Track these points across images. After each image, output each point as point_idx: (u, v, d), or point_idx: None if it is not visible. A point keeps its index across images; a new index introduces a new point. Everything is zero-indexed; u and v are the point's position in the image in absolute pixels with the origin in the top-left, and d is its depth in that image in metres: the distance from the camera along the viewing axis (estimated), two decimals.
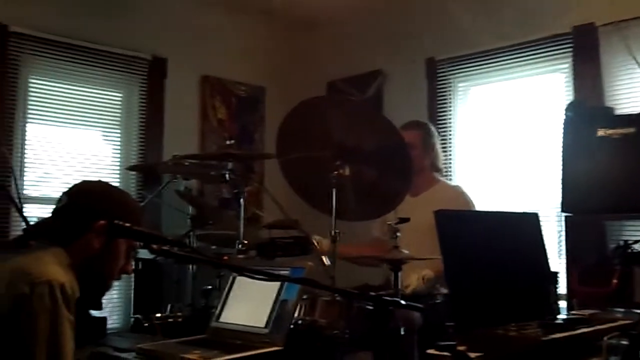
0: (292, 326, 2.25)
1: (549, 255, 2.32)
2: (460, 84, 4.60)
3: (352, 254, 3.10)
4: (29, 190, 4.16)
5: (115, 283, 1.96)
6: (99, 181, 2.04)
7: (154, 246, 1.70)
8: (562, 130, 3.52)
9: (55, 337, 1.57)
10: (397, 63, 4.84)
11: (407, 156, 2.70)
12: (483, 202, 4.07)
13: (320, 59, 5.31)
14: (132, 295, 4.19)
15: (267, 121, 5.30)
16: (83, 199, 1.85)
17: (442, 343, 1.66)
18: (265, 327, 2.22)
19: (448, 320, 2.03)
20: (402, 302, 1.82)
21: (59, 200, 1.85)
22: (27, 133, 4.20)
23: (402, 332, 2.29)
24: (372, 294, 1.84)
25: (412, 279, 2.97)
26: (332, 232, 2.59)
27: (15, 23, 4.10)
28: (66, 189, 1.89)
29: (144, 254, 3.70)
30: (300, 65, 5.37)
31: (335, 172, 2.62)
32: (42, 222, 1.92)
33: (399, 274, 2.53)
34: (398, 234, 2.58)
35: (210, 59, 5.04)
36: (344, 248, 2.74)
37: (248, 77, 5.28)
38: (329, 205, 2.61)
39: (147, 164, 4.58)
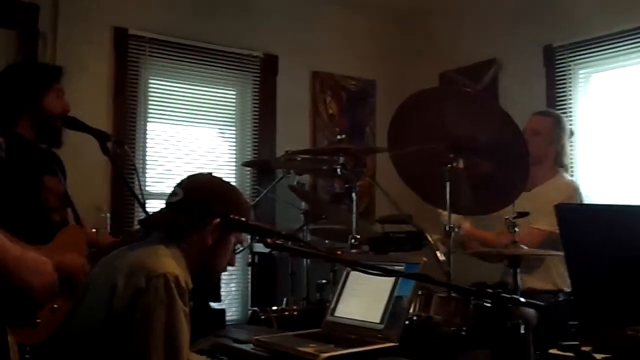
0: (407, 322, 2.22)
1: None
2: (580, 71, 4.37)
3: (488, 238, 3.04)
4: (150, 186, 4.35)
5: (232, 276, 2.01)
6: (210, 175, 2.08)
7: (269, 240, 1.73)
8: None
9: (171, 327, 1.63)
10: (513, 51, 4.67)
11: (524, 148, 2.60)
12: (606, 195, 3.87)
13: (431, 49, 5.22)
14: (250, 288, 4.29)
15: (378, 115, 5.27)
16: (199, 195, 1.89)
17: (565, 343, 1.59)
18: (380, 322, 2.20)
19: (569, 319, 1.95)
20: (522, 299, 1.75)
21: (174, 193, 1.90)
22: (148, 132, 4.38)
23: (522, 331, 2.22)
24: (490, 291, 1.79)
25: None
26: (447, 227, 2.53)
27: (134, 26, 4.28)
28: (179, 182, 1.93)
29: (259, 247, 3.80)
30: (411, 56, 5.30)
31: (449, 165, 2.57)
32: (157, 214, 1.99)
33: (518, 270, 2.45)
34: (516, 228, 2.49)
35: (320, 55, 5.06)
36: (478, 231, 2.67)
37: (358, 71, 5.27)
38: (443, 200, 2.56)
39: (261, 160, 4.66)
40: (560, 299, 2.99)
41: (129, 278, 1.67)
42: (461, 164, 2.61)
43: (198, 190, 1.91)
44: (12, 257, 0.90)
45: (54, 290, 0.98)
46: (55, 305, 2.39)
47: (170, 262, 1.73)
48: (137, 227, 2.86)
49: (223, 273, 2.17)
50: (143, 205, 2.81)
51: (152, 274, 1.65)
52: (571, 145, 3.79)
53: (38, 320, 2.33)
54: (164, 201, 1.94)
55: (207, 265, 1.87)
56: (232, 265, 1.98)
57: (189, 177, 1.97)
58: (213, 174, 2.10)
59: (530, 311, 2.31)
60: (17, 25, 3.93)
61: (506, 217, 2.56)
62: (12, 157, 2.57)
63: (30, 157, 2.68)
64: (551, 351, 1.68)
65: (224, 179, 2.03)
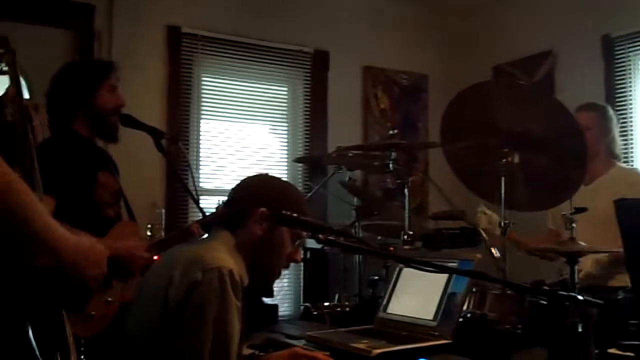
0: (461, 319, 2.19)
1: None
2: None
3: (525, 244, 2.98)
4: (204, 182, 4.40)
5: (285, 272, 2.01)
6: (266, 174, 2.11)
7: (321, 236, 1.72)
8: None
9: (222, 320, 1.65)
10: (569, 42, 4.56)
11: (582, 142, 2.53)
12: None
13: (485, 42, 5.13)
14: (302, 284, 4.30)
15: (431, 109, 5.22)
16: (247, 189, 1.93)
17: (625, 342, 1.54)
18: (434, 319, 2.18)
19: (630, 317, 1.89)
20: (580, 297, 1.70)
21: (229, 192, 1.95)
22: (201, 129, 4.43)
23: (580, 330, 2.16)
24: (546, 288, 1.75)
25: (586, 263, 2.81)
26: (502, 223, 2.49)
27: (187, 25, 4.34)
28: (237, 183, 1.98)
29: (311, 243, 3.80)
30: (464, 50, 5.23)
31: (504, 160, 2.52)
32: (214, 213, 2.03)
33: (575, 267, 2.39)
34: (574, 224, 2.42)
35: (371, 50, 5.04)
36: (517, 236, 2.63)
37: (410, 66, 5.23)
38: (497, 195, 2.51)
39: (312, 156, 4.67)
40: (620, 297, 2.90)
41: (185, 271, 1.70)
42: (516, 159, 2.56)
43: (247, 185, 1.95)
44: (65, 244, 0.92)
45: (102, 273, 1.01)
46: (110, 299, 2.43)
47: (225, 257, 1.75)
48: (191, 222, 2.89)
49: None
50: (197, 201, 2.84)
51: (208, 267, 1.68)
52: (624, 134, 3.69)
53: (93, 313, 2.38)
54: (218, 197, 1.98)
55: (262, 260, 1.88)
56: (296, 261, 1.98)
57: (244, 178, 2.01)
58: (269, 174, 2.13)
59: (591, 308, 2.25)
60: (73, 25, 4.02)
61: (563, 212, 2.49)
62: (68, 154, 2.63)
63: (85, 153, 2.74)
64: (610, 350, 1.63)
65: (280, 177, 2.05)
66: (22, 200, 0.86)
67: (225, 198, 1.96)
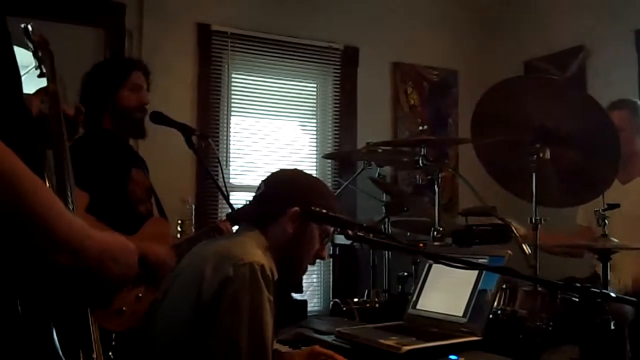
0: (491, 316, 2.18)
1: None
2: None
3: (553, 242, 2.94)
4: (234, 179, 4.43)
5: (314, 268, 2.02)
6: (295, 169, 2.11)
7: (350, 232, 1.72)
8: None
9: (256, 314, 1.66)
10: (602, 37, 4.49)
11: (615, 138, 2.49)
12: None
13: (516, 37, 5.08)
14: (331, 279, 4.31)
15: (461, 105, 5.18)
16: (278, 186, 1.94)
17: None
18: (464, 316, 2.17)
19: None
20: (612, 294, 1.68)
21: (258, 187, 1.96)
22: (231, 125, 4.46)
23: (612, 327, 2.13)
24: (578, 285, 1.73)
25: (624, 272, 2.76)
26: (533, 219, 2.46)
27: (216, 22, 4.36)
28: (264, 177, 1.98)
29: (340, 239, 3.81)
30: (494, 45, 5.18)
31: (535, 156, 2.49)
32: (244, 208, 2.04)
33: (608, 264, 2.35)
34: (606, 221, 2.39)
35: (401, 46, 5.02)
36: (545, 236, 2.60)
37: (440, 61, 5.19)
38: (528, 191, 2.48)
39: (342, 152, 4.67)
40: None
41: (216, 267, 1.71)
42: (547, 155, 2.53)
43: (278, 182, 1.96)
44: (89, 244, 0.93)
45: (131, 274, 1.01)
46: (140, 294, 2.46)
47: (256, 252, 1.76)
48: (219, 221, 2.92)
49: None
50: (227, 197, 2.86)
51: (239, 262, 1.69)
52: None
53: (124, 309, 2.41)
54: (248, 193, 1.99)
55: (291, 256, 1.89)
56: (322, 258, 1.99)
57: (273, 172, 2.01)
58: (298, 169, 2.13)
59: (626, 307, 2.22)
60: (105, 24, 4.08)
61: (596, 209, 2.46)
62: (102, 150, 2.67)
63: (117, 150, 2.78)
64: None
65: (309, 173, 2.05)
66: (41, 199, 0.86)
67: (256, 192, 1.97)
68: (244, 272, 1.67)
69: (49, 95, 1.69)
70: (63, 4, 3.85)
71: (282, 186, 1.94)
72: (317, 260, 1.98)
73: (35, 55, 1.90)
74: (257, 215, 1.91)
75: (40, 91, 1.81)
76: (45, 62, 1.90)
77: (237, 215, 2.12)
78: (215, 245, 1.90)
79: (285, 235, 1.86)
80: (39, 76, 1.91)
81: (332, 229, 1.93)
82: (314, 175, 2.06)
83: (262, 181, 1.98)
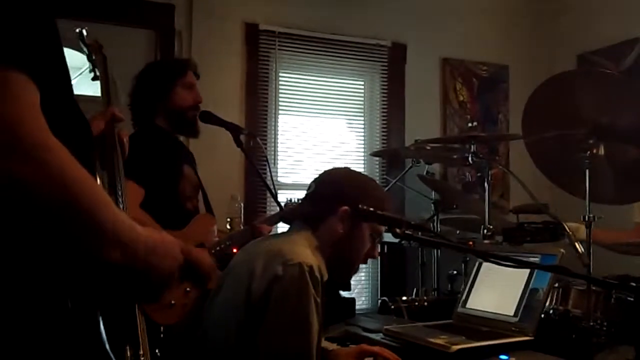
0: (543, 316, 2.14)
1: None
2: None
3: (610, 240, 2.87)
4: (282, 177, 4.44)
5: (362, 266, 2.01)
6: (346, 168, 2.12)
7: (398, 230, 1.71)
8: None
9: (302, 315, 1.66)
10: None
11: None
12: None
13: (568, 30, 4.98)
14: (379, 277, 4.29)
15: (512, 101, 5.10)
16: (328, 185, 1.94)
17: None
18: (515, 315, 2.13)
19: None
20: None
21: (309, 187, 1.96)
22: (278, 124, 4.47)
23: None
24: (633, 284, 1.68)
25: None
26: (587, 217, 2.40)
27: (264, 21, 4.38)
28: (316, 176, 1.98)
29: (388, 237, 3.79)
30: (546, 39, 5.08)
31: (589, 152, 2.43)
32: (296, 207, 2.04)
33: None
34: None
35: (449, 41, 4.96)
36: (601, 234, 2.53)
37: (490, 57, 5.12)
38: (582, 188, 2.43)
39: (390, 150, 4.64)
40: None
41: (266, 264, 1.72)
42: (602, 151, 2.47)
43: (329, 181, 1.96)
44: (135, 237, 0.94)
45: (174, 275, 1.02)
46: (188, 289, 2.49)
47: (306, 252, 1.77)
48: (258, 221, 2.94)
49: None
50: (275, 196, 2.88)
51: (289, 262, 1.70)
52: None
53: (173, 302, 2.44)
54: (296, 192, 2.00)
55: (342, 256, 1.89)
56: (374, 257, 1.98)
57: (324, 171, 2.02)
58: (349, 168, 2.13)
59: None
60: (154, 25, 4.14)
61: None
62: (155, 147, 2.72)
63: (169, 147, 2.82)
64: None
65: (360, 172, 2.05)
66: (90, 194, 0.87)
67: (305, 191, 1.98)
68: (293, 271, 1.68)
69: (107, 117, 1.73)
70: (114, 6, 3.92)
71: (332, 185, 1.94)
72: (367, 260, 1.98)
73: (89, 59, 1.94)
74: (308, 214, 1.92)
75: (100, 114, 1.87)
76: (99, 66, 1.94)
77: (288, 215, 2.14)
78: (267, 243, 1.91)
79: (336, 234, 1.86)
80: (93, 79, 1.95)
81: (383, 228, 1.92)
82: (366, 174, 2.05)
83: (313, 180, 1.98)
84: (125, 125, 2.72)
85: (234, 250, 2.61)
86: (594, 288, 2.21)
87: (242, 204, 3.20)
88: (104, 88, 1.97)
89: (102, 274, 0.91)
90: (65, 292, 0.92)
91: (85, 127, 1.07)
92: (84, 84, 2.50)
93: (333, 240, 1.86)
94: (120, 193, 1.52)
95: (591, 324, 2.14)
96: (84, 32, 1.91)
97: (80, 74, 3.15)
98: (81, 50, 1.94)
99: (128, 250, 0.91)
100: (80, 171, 0.86)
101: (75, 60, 2.07)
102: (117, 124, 1.72)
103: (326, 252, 1.85)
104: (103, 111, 1.77)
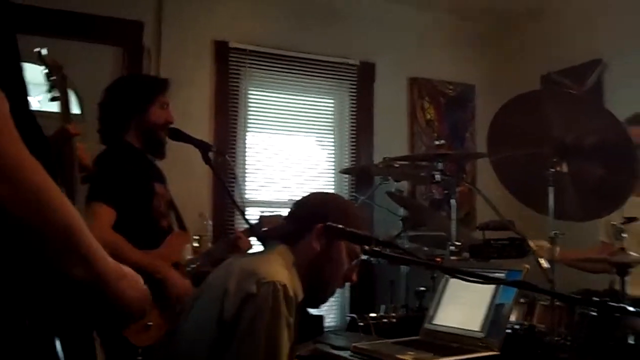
0: (508, 331, 2.16)
1: None
2: None
3: (574, 256, 2.92)
4: (250, 194, 4.43)
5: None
6: (327, 192, 2.14)
7: (366, 247, 1.72)
8: None
9: (273, 334, 1.66)
10: (619, 50, 4.47)
11: (633, 152, 2.47)
12: None
13: (532, 51, 5.08)
14: (348, 294, 4.29)
15: (478, 119, 5.18)
16: (307, 205, 1.98)
17: None
18: (481, 330, 2.16)
19: None
20: (630, 308, 1.66)
21: (289, 209, 2.01)
22: (247, 141, 4.48)
23: (631, 342, 2.11)
24: (596, 299, 1.71)
25: None
26: (551, 234, 2.44)
27: (234, 39, 4.40)
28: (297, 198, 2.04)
29: None
30: (511, 59, 5.18)
31: (553, 170, 2.48)
32: (273, 227, 2.06)
33: (626, 278, 2.33)
34: (624, 234, 2.37)
35: (417, 61, 5.03)
36: (565, 254, 2.57)
37: (456, 76, 5.20)
38: (546, 205, 2.47)
39: (359, 167, 4.67)
40: None
41: (240, 282, 1.72)
42: (565, 168, 2.52)
43: (306, 201, 2.00)
44: (112, 270, 0.95)
45: (145, 305, 1.03)
46: (163, 310, 2.48)
47: (281, 271, 1.77)
48: (235, 234, 2.93)
49: None
50: (243, 213, 2.87)
51: (263, 280, 1.69)
52: None
53: (150, 323, 2.42)
54: (264, 209, 2.02)
55: (319, 275, 1.89)
56: (351, 281, 1.99)
57: (307, 194, 2.05)
58: (329, 192, 2.16)
59: None
60: (123, 42, 4.13)
61: (613, 222, 2.44)
62: (126, 165, 2.70)
63: (141, 165, 2.80)
64: None
65: (342, 195, 2.07)
66: (65, 211, 0.88)
67: (274, 209, 2.00)
68: (267, 290, 1.68)
69: (63, 136, 1.73)
70: (81, 23, 3.90)
71: (310, 205, 1.97)
72: (345, 283, 1.99)
73: (48, 79, 1.94)
74: (285, 232, 1.93)
75: (57, 132, 1.86)
76: (59, 85, 1.93)
77: (266, 234, 2.15)
78: (243, 261, 1.90)
79: (312, 252, 1.87)
80: (51, 100, 1.94)
81: (359, 249, 1.93)
82: (344, 198, 2.08)
83: (293, 202, 2.02)
84: (92, 137, 2.72)
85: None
86: (557, 303, 2.24)
87: (210, 222, 3.20)
88: (63, 107, 1.97)
89: (71, 294, 0.91)
90: (25, 310, 0.92)
91: (44, 142, 1.06)
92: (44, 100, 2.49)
93: (310, 259, 1.87)
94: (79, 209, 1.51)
95: (556, 338, 2.17)
96: (43, 52, 1.90)
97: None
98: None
99: (96, 270, 0.91)
100: (57, 191, 0.87)
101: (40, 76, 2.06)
102: (73, 138, 1.72)
103: (303, 270, 1.86)
104: (60, 129, 1.76)
